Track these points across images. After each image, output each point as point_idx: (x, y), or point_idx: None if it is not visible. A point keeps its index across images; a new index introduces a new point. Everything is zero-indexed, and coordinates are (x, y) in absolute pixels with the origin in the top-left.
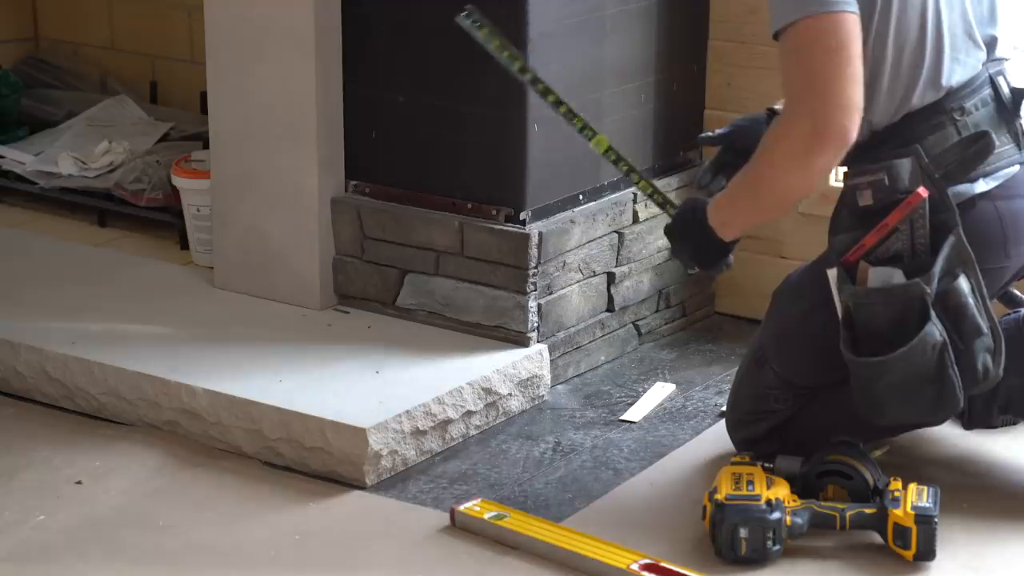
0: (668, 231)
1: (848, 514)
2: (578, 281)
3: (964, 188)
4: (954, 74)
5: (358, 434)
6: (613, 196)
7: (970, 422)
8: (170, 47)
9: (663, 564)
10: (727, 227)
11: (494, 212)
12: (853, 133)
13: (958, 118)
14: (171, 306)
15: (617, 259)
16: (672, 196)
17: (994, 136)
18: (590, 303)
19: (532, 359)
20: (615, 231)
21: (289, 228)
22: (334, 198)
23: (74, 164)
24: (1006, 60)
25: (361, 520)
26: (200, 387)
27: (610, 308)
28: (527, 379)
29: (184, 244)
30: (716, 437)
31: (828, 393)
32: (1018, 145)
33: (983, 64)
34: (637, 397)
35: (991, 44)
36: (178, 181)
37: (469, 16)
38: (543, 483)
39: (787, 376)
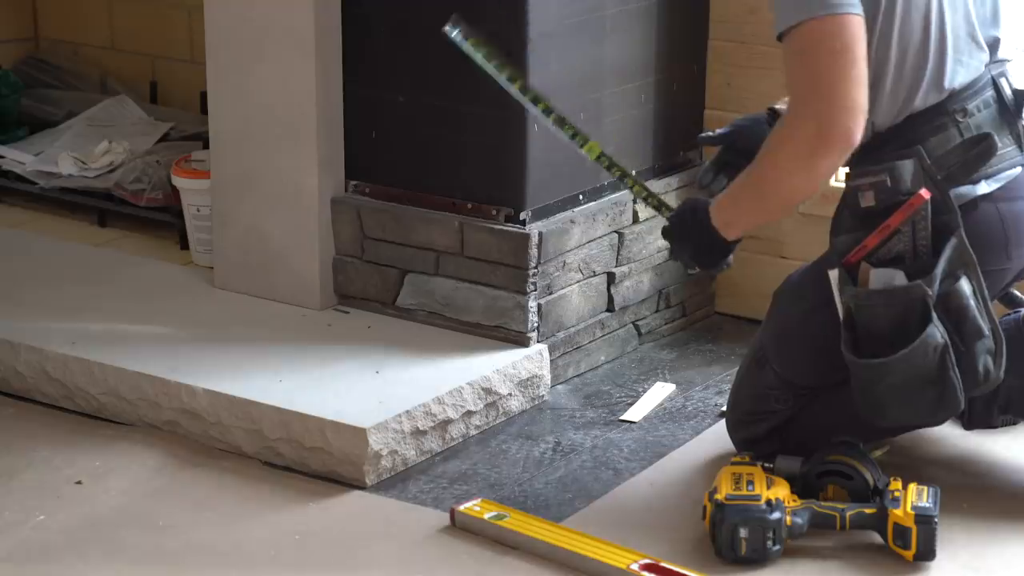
0: (666, 232)
1: (848, 514)
2: (578, 281)
3: (966, 190)
4: (957, 76)
5: (358, 434)
6: (613, 196)
7: (970, 422)
8: (170, 47)
9: (663, 564)
10: (730, 227)
11: (494, 212)
12: (858, 135)
13: (960, 120)
14: (171, 306)
15: (617, 259)
16: (672, 196)
17: (996, 138)
18: (590, 303)
19: (532, 359)
20: (615, 231)
21: (289, 228)
22: (334, 198)
23: (74, 164)
24: (1008, 61)
25: (361, 520)
26: (200, 387)
27: (610, 308)
28: (527, 379)
29: (184, 244)
30: (716, 437)
31: (828, 393)
32: (1020, 147)
33: (986, 65)
34: (637, 397)
35: (994, 45)
36: (178, 181)
37: (455, 27)
38: (543, 483)
39: (788, 376)
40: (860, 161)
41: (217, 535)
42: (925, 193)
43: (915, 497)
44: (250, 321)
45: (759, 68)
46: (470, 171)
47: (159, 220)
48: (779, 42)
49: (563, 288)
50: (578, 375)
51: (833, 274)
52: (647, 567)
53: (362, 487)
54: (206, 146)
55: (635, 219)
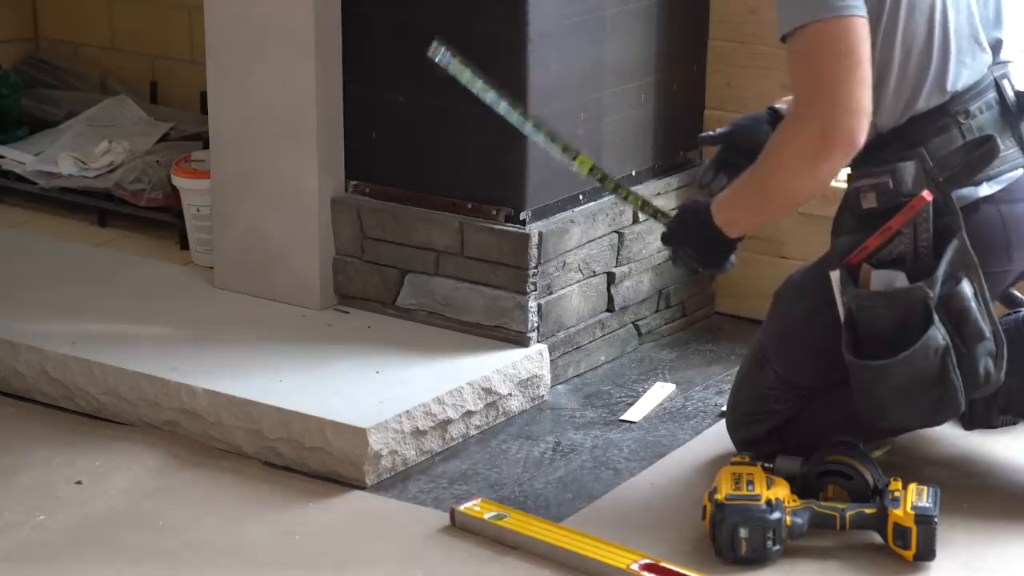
0: (666, 238)
1: (848, 514)
2: (578, 281)
3: (968, 191)
4: (960, 77)
5: (358, 434)
6: (613, 196)
7: (970, 423)
8: (170, 47)
9: (663, 564)
10: (732, 225)
11: (494, 212)
12: (862, 137)
13: (963, 121)
14: (171, 306)
15: (617, 259)
16: (672, 196)
17: (998, 140)
18: (590, 303)
19: (532, 359)
20: (615, 231)
21: (289, 228)
22: (334, 198)
23: (74, 164)
24: (1010, 63)
25: (361, 520)
26: (200, 387)
27: (610, 308)
28: (527, 379)
29: (184, 244)
30: (716, 437)
31: (829, 393)
32: (1022, 148)
33: (988, 67)
34: (637, 397)
35: (996, 47)
36: (178, 181)
37: (440, 47)
38: (543, 483)
39: (788, 377)
40: (862, 162)
41: (217, 535)
42: (927, 195)
43: (915, 497)
44: (250, 321)
45: (759, 68)
46: (470, 171)
47: (159, 220)
48: (783, 43)
49: (563, 288)
50: (578, 375)
51: (834, 275)
52: (647, 567)
53: (362, 487)
54: (206, 146)
55: (635, 219)
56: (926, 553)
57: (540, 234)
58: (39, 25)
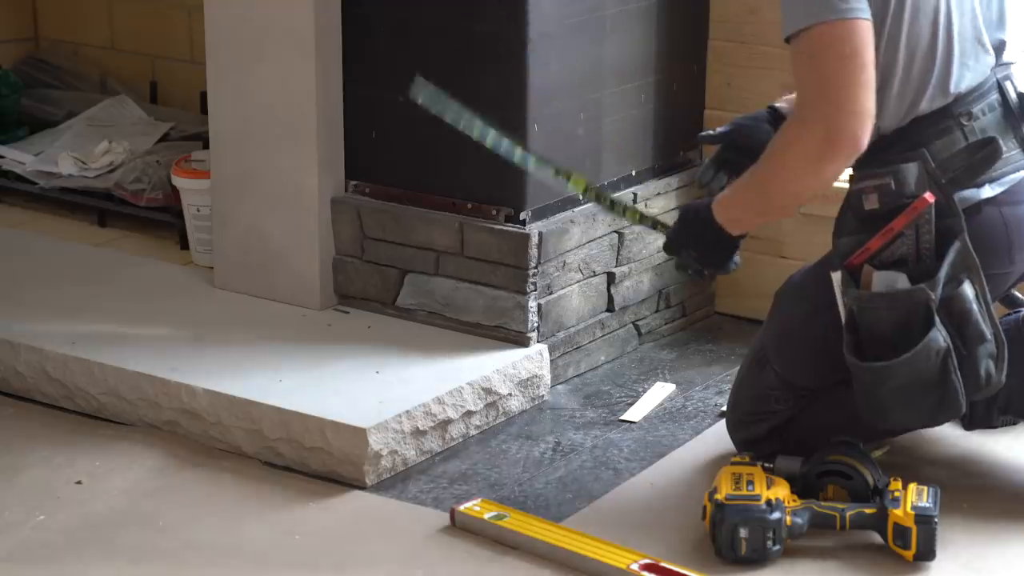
0: (668, 245)
1: (848, 514)
2: (578, 281)
3: (970, 193)
4: (963, 80)
5: (358, 434)
6: (613, 196)
7: (971, 423)
8: (170, 47)
9: (663, 564)
10: (734, 224)
11: (494, 212)
12: (865, 140)
13: (965, 123)
14: (171, 306)
15: (617, 259)
16: (672, 196)
17: (1001, 142)
18: (590, 303)
19: (532, 359)
20: (615, 231)
21: (289, 228)
22: (334, 198)
23: (74, 164)
24: (1013, 64)
25: (361, 520)
26: (200, 387)
27: (610, 308)
28: (527, 379)
29: (184, 244)
30: (716, 437)
31: (829, 393)
32: None
33: (991, 69)
34: (637, 397)
35: (999, 48)
36: (178, 181)
37: (421, 85)
38: (543, 483)
39: (788, 377)
40: (864, 163)
41: (217, 535)
42: (929, 197)
43: (915, 497)
44: (250, 321)
45: (759, 68)
46: (470, 171)
47: (159, 220)
48: (786, 44)
49: (563, 288)
50: (578, 375)
51: (836, 276)
52: (647, 567)
53: (362, 487)
54: (206, 146)
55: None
56: (926, 553)
57: (540, 234)
58: (39, 25)
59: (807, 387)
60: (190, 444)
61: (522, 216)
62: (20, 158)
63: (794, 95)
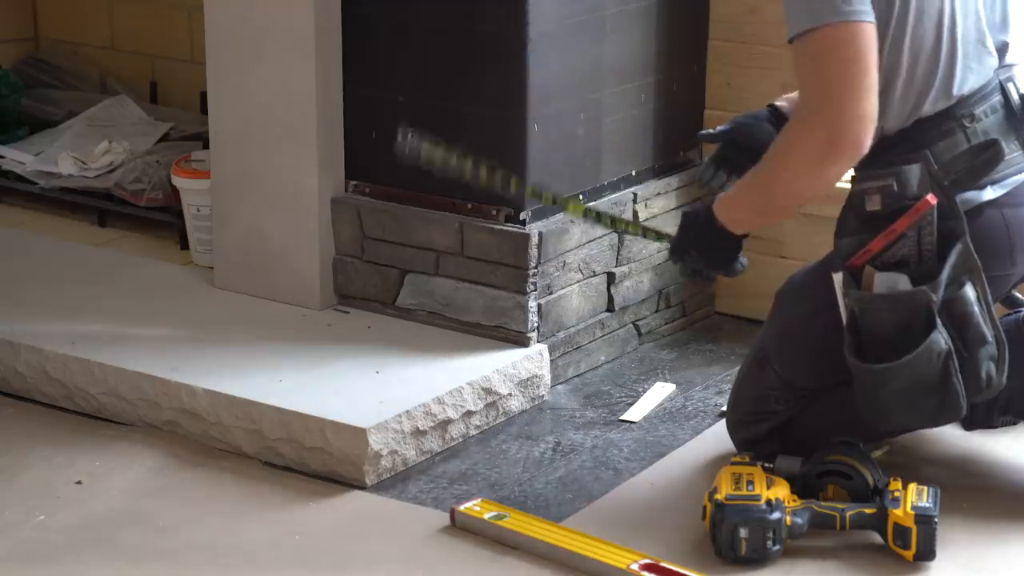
0: (673, 251)
1: (848, 514)
2: (578, 281)
3: (972, 195)
4: (966, 82)
5: (358, 434)
6: (613, 196)
7: (971, 423)
8: (170, 47)
9: (663, 564)
10: (736, 224)
11: (494, 212)
12: (867, 143)
13: (968, 125)
14: (171, 306)
15: (617, 259)
16: (672, 196)
17: (1003, 144)
18: (590, 303)
19: (532, 359)
20: (615, 231)
21: (289, 228)
22: (334, 198)
23: (74, 164)
24: (1015, 66)
25: (361, 520)
26: (200, 387)
27: (610, 308)
28: (527, 379)
29: (184, 244)
30: (716, 437)
31: (829, 394)
32: None
33: (994, 70)
34: (637, 397)
35: (1002, 50)
36: (178, 181)
37: (409, 137)
38: (543, 483)
39: (789, 377)
40: (867, 164)
41: (217, 535)
42: (932, 198)
43: (915, 497)
44: (250, 321)
45: (759, 68)
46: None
47: (159, 220)
48: (790, 44)
49: (563, 288)
50: (578, 375)
51: (837, 277)
52: (647, 567)
53: (362, 487)
54: (206, 146)
55: (635, 219)
56: (926, 553)
57: (540, 234)
58: (39, 25)
59: (807, 387)
60: (190, 444)
61: (522, 216)
62: (20, 158)
63: (795, 93)
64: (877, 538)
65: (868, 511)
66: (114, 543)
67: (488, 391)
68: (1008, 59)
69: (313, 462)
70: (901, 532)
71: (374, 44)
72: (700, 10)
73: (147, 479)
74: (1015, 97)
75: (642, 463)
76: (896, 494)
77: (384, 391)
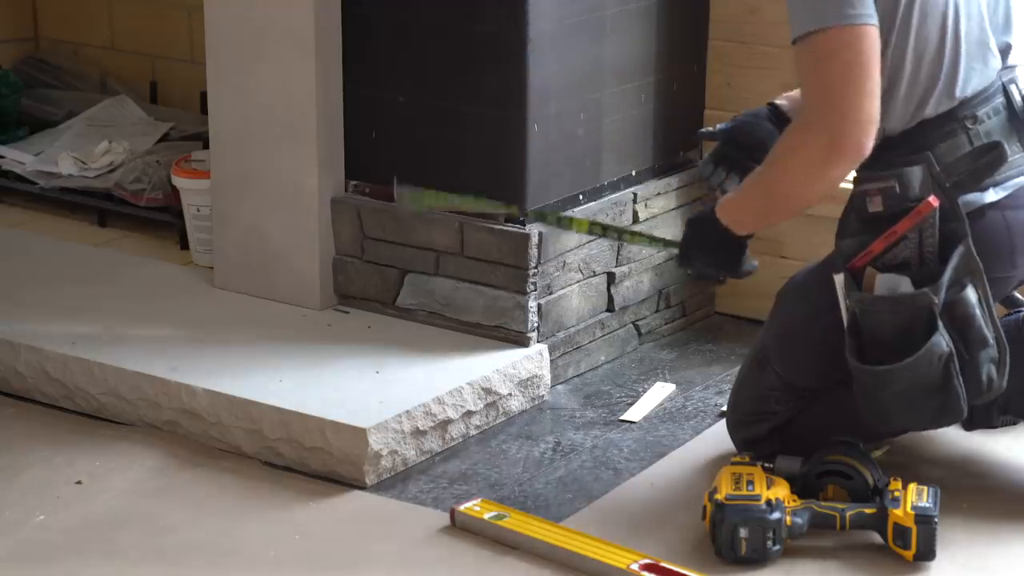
0: (680, 257)
1: (848, 514)
2: (578, 281)
3: (974, 197)
4: (969, 83)
5: (358, 434)
6: (613, 196)
7: (971, 423)
8: (170, 47)
9: (663, 564)
10: (739, 225)
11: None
12: (869, 146)
13: (970, 126)
14: (171, 306)
15: (617, 259)
16: (672, 196)
17: (1006, 146)
18: (590, 303)
19: (532, 359)
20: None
21: (289, 228)
22: (334, 198)
23: (74, 164)
24: (1017, 67)
25: (361, 520)
26: (200, 387)
27: (610, 308)
28: (527, 379)
29: (184, 244)
30: (716, 437)
31: (829, 394)
32: None
33: (997, 72)
34: (637, 397)
35: (1005, 52)
36: (178, 181)
37: (401, 189)
38: (543, 483)
39: (789, 378)
40: (869, 165)
41: (217, 535)
42: (934, 200)
43: (915, 497)
44: (250, 321)
45: (759, 68)
46: (470, 171)
47: (159, 220)
48: (793, 46)
49: (563, 288)
50: (578, 375)
51: (838, 278)
52: (647, 567)
53: (362, 487)
54: (206, 146)
55: (635, 219)
56: (926, 553)
57: (540, 234)
58: (39, 25)
59: (808, 388)
60: (190, 444)
61: (522, 216)
62: (20, 158)
63: (795, 92)
64: (877, 538)
65: (868, 511)
66: (114, 543)
67: (488, 391)
68: (1011, 60)
69: (313, 462)
70: (901, 532)
71: (374, 44)
72: (700, 10)
73: (147, 479)
74: (1018, 99)
75: (642, 463)
76: (896, 494)
77: (384, 391)
